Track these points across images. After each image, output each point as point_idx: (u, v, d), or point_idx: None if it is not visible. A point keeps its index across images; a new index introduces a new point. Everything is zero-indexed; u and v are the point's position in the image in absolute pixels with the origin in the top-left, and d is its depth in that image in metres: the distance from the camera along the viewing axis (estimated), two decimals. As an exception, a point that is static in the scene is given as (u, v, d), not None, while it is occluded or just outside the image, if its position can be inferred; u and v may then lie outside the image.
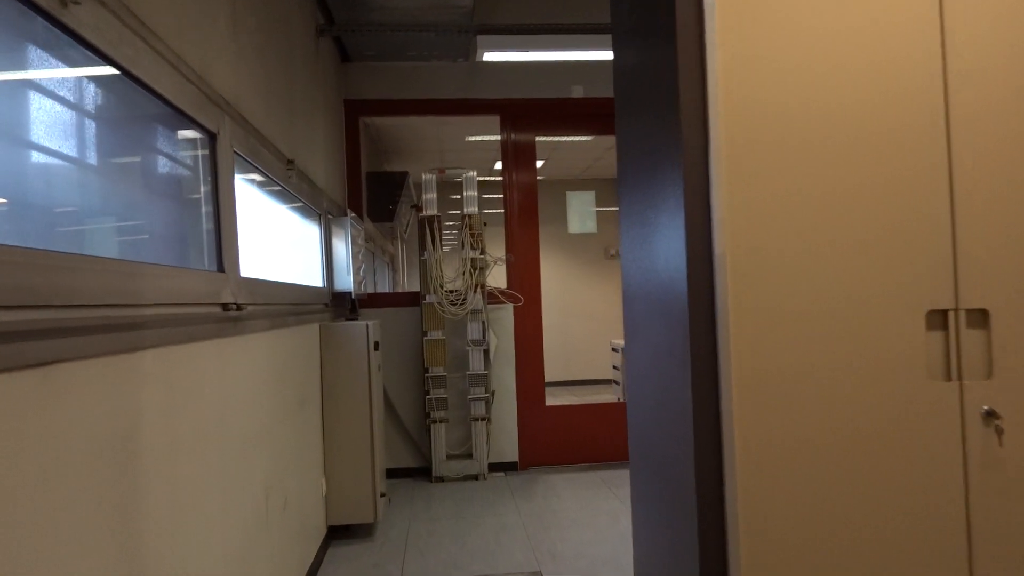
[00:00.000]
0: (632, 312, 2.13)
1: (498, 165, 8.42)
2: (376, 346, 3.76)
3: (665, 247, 1.76)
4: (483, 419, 4.85)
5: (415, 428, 4.99)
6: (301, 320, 3.21)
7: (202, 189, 2.04)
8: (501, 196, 5.19)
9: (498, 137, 6.81)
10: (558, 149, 7.27)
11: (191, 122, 1.94)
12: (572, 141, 7.08)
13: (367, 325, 3.72)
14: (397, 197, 6.70)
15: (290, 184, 3.10)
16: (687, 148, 1.59)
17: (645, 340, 1.98)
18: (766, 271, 1.60)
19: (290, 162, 3.08)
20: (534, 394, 5.16)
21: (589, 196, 5.29)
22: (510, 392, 5.09)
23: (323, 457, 3.66)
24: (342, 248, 4.06)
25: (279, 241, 3.11)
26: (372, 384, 3.71)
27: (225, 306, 2.04)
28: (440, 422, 4.81)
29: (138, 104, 1.71)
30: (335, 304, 4.16)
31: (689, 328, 1.60)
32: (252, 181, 2.70)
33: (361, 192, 5.11)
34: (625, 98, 2.11)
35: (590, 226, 5.27)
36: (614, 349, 7.69)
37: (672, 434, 1.76)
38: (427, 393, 4.81)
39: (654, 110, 1.80)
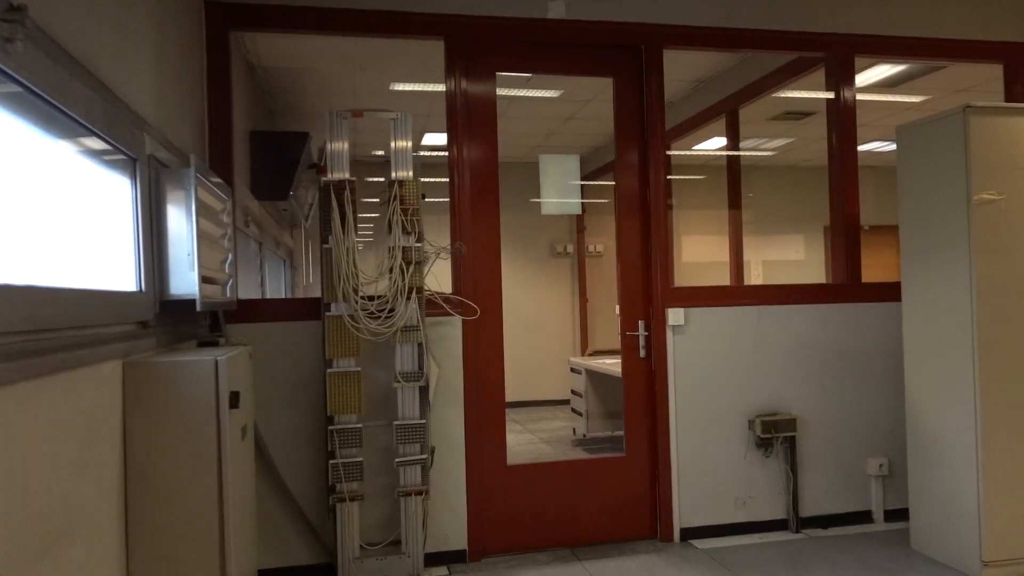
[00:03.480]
0: None
1: (429, 139, 6.74)
2: (234, 400, 2.06)
3: None
4: (418, 493, 3.19)
5: (314, 508, 3.28)
6: (47, 364, 1.49)
7: None
8: (435, 179, 3.54)
9: (437, 87, 5.14)
10: (504, 117, 5.67)
11: None
12: (530, 98, 5.49)
13: (215, 363, 2.01)
14: (294, 168, 4.93)
15: (11, 62, 1.37)
16: None
17: None
18: None
19: (14, 10, 1.36)
20: (491, 449, 3.54)
21: (572, 162, 3.72)
22: (456, 447, 3.45)
23: (125, 616, 1.93)
24: (183, 223, 2.33)
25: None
26: (225, 468, 2.01)
27: None
28: (352, 499, 3.12)
29: None
30: (169, 320, 2.43)
31: None
32: None
33: (231, 146, 3.35)
34: None
35: (571, 206, 3.69)
36: (574, 370, 6.15)
37: None
38: (331, 455, 3.11)
39: None
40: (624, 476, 3.68)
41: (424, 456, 3.19)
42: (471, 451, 3.47)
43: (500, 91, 3.62)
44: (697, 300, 3.69)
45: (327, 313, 3.13)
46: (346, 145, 3.24)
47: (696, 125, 5.33)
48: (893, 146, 7.77)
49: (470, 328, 3.48)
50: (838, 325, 3.82)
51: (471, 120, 3.55)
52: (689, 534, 3.67)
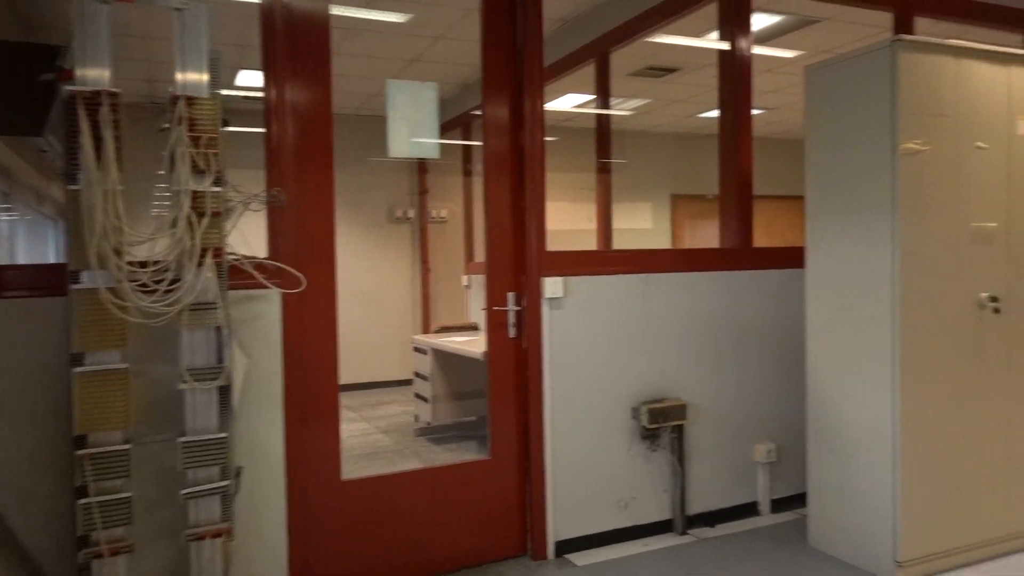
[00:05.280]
0: None
1: (244, 77, 5.63)
2: None
3: None
4: (216, 534, 2.31)
5: (64, 564, 2.30)
6: None
7: None
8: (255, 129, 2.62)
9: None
10: (334, 55, 4.71)
11: None
12: (368, 32, 4.57)
13: None
14: (52, 93, 3.72)
15: None
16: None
17: None
18: None
19: None
20: (321, 461, 2.71)
21: (429, 91, 2.92)
22: (273, 463, 2.60)
23: None
24: None
25: None
26: None
27: None
28: (116, 553, 2.18)
29: None
30: None
31: None
32: None
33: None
34: None
35: (429, 148, 2.89)
36: (418, 349, 5.39)
37: None
38: (81, 492, 2.14)
39: None
40: (489, 483, 3.00)
41: (226, 483, 2.31)
42: (294, 467, 2.63)
43: (334, 9, 2.75)
44: (578, 267, 3.06)
45: (75, 285, 2.15)
46: (105, 43, 2.24)
47: (563, 70, 4.70)
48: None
49: (293, 304, 2.62)
50: (729, 295, 3.35)
51: (295, 56, 2.65)
52: (565, 547, 3.06)
